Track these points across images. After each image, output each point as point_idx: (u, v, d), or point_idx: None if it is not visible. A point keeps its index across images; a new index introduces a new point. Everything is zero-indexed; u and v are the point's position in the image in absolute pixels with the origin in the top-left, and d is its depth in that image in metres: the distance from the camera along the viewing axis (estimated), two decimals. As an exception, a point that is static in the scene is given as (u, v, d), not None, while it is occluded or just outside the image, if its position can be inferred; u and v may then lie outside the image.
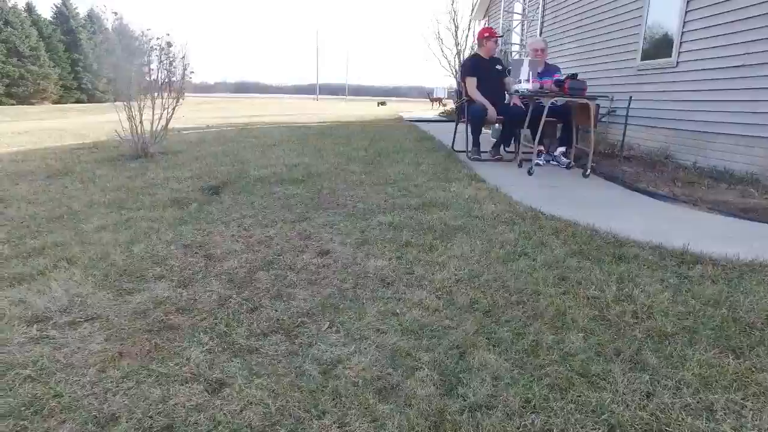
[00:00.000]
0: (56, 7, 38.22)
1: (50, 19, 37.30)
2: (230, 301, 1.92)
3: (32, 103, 32.01)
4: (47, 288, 2.01)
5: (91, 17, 40.11)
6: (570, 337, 1.60)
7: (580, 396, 1.32)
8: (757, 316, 1.64)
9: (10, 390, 1.37)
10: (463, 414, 1.26)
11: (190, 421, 1.26)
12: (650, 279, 1.98)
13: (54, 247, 2.49)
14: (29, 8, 34.93)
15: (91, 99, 36.68)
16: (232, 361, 1.52)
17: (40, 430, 1.22)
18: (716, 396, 1.28)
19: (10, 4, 32.40)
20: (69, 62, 37.01)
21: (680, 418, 1.21)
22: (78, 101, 36.38)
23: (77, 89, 37.81)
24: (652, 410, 1.25)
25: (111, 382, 1.42)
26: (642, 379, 1.37)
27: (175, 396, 1.35)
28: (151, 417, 1.27)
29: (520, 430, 1.20)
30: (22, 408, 1.29)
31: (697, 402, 1.27)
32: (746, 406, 1.24)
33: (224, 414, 1.28)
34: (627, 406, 1.27)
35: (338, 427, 1.23)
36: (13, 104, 30.59)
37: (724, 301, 1.76)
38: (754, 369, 1.38)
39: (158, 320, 1.78)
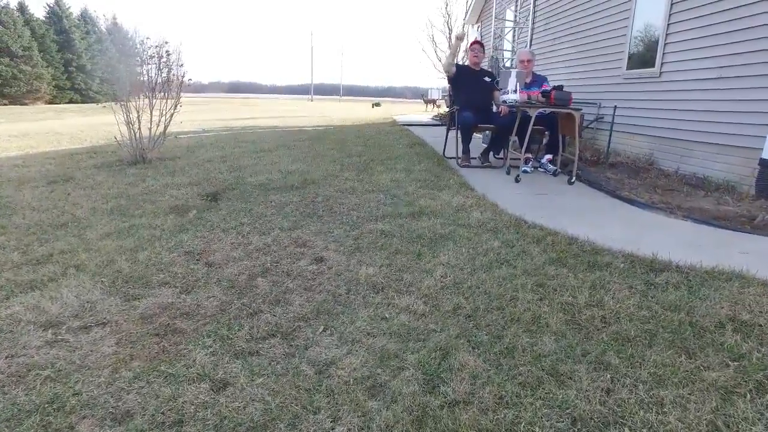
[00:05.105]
0: (49, 6, 38.08)
1: (43, 18, 37.18)
2: (231, 307, 2.06)
3: (25, 103, 31.90)
4: (59, 294, 2.14)
5: (84, 17, 39.96)
6: (543, 340, 1.76)
7: (548, 393, 1.47)
8: (711, 321, 1.81)
9: (33, 389, 1.51)
10: (444, 409, 1.41)
11: (198, 416, 1.40)
12: (620, 285, 2.15)
13: (62, 254, 2.62)
14: (21, 8, 34.80)
15: (85, 99, 36.59)
16: (235, 362, 1.67)
17: (63, 425, 1.36)
18: (667, 392, 1.44)
19: (2, 3, 32.25)
20: (62, 62, 36.92)
21: (633, 412, 1.37)
22: (71, 101, 36.28)
23: (70, 89, 37.72)
24: (611, 405, 1.41)
25: (124, 382, 1.56)
26: (604, 378, 1.53)
27: (183, 394, 1.50)
28: (163, 413, 1.42)
29: (493, 423, 1.36)
30: (46, 405, 1.43)
31: (650, 397, 1.43)
32: (691, 400, 1.41)
33: (229, 410, 1.42)
34: (589, 401, 1.43)
35: (332, 421, 1.38)
36: (5, 104, 30.47)
37: (684, 306, 1.93)
38: (702, 367, 1.55)
39: (164, 325, 1.92)
